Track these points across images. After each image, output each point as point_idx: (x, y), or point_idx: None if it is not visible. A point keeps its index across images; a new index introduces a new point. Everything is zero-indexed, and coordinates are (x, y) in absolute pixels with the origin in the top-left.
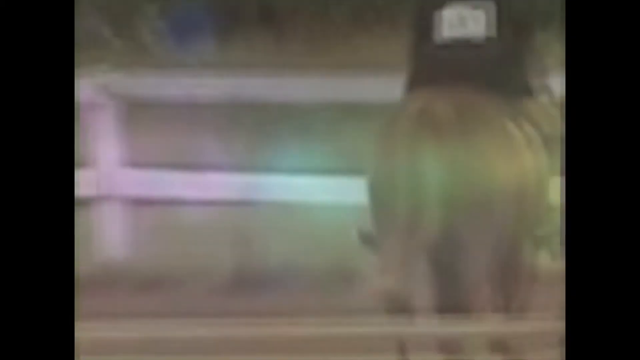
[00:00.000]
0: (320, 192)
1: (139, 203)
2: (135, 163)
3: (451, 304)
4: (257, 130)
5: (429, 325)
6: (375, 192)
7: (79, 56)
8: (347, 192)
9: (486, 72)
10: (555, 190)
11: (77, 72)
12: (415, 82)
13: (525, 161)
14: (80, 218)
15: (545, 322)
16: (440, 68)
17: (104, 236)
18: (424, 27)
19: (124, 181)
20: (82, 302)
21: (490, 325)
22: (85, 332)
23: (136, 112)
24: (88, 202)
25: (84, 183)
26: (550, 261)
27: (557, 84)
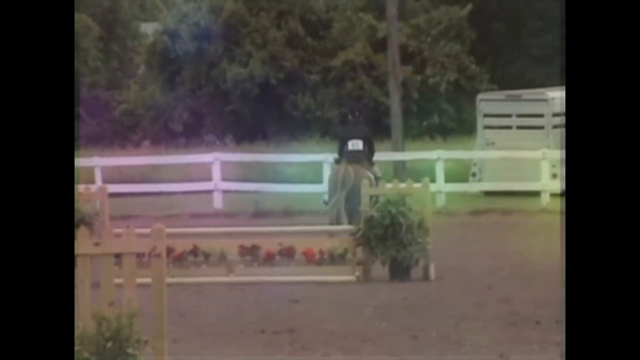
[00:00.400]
0: (295, 188)
1: (227, 192)
2: (225, 179)
3: (352, 223)
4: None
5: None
6: (329, 188)
7: None
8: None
9: (362, 159)
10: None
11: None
12: (341, 159)
13: (373, 181)
14: (206, 198)
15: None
16: (349, 156)
17: (217, 201)
18: (343, 145)
19: (222, 185)
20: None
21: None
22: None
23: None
24: (210, 192)
25: (208, 186)
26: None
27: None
